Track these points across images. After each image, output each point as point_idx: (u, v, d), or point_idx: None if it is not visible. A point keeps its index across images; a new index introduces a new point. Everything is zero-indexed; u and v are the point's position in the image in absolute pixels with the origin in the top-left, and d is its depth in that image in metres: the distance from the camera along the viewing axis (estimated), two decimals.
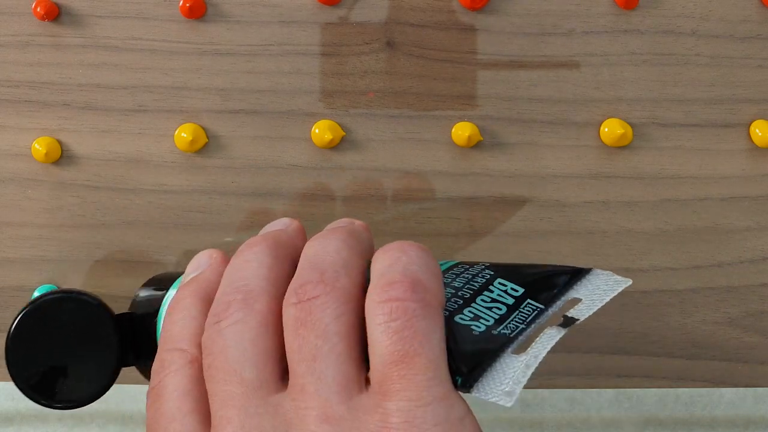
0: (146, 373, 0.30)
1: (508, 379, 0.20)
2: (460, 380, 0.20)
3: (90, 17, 0.38)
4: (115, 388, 0.39)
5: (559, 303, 0.23)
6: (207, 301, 0.24)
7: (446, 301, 0.22)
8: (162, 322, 0.24)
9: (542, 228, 0.39)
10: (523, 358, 0.20)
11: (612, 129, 0.38)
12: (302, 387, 0.20)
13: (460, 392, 0.20)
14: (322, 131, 0.38)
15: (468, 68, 0.38)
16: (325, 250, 0.22)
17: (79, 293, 0.29)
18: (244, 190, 0.39)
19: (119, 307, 0.39)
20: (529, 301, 0.23)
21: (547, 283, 0.23)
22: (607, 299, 0.23)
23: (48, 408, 0.29)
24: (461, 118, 0.38)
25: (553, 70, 0.38)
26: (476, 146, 0.38)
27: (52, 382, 0.28)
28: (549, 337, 0.21)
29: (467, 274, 0.24)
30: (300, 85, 0.38)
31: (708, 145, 0.39)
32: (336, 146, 0.38)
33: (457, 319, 0.21)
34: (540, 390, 0.39)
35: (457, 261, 0.25)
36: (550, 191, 0.39)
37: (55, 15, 0.38)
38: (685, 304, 0.39)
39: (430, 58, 0.38)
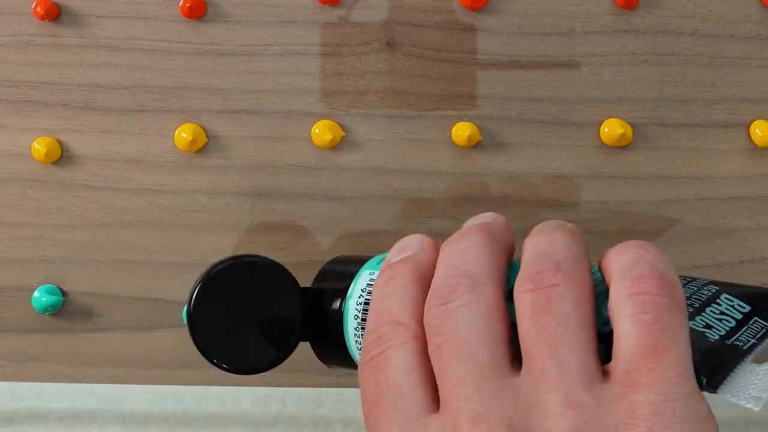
0: (321, 350, 0.30)
1: (754, 385, 0.20)
2: (705, 380, 0.21)
3: (90, 17, 0.38)
4: (115, 388, 0.39)
5: None
6: (423, 281, 0.24)
7: (690, 314, 0.23)
8: (373, 296, 0.24)
9: None
10: (765, 367, 0.21)
11: (612, 129, 0.38)
12: (542, 371, 0.20)
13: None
14: (322, 131, 0.38)
15: (468, 68, 0.38)
16: (555, 244, 0.22)
17: (268, 261, 0.30)
18: (244, 190, 0.39)
19: (119, 307, 0.39)
20: (756, 318, 0.23)
21: None
22: None
23: (229, 372, 0.30)
24: (461, 118, 0.38)
25: (553, 70, 0.38)
26: (476, 146, 0.38)
27: (232, 348, 0.29)
28: None
29: (691, 286, 0.24)
30: (300, 85, 0.38)
31: (708, 145, 0.39)
32: (336, 146, 0.38)
33: (690, 325, 0.22)
34: None
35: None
36: (550, 191, 0.39)
37: (55, 15, 0.38)
38: None
39: (430, 58, 0.38)
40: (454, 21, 0.38)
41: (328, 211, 0.39)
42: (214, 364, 0.29)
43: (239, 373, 0.29)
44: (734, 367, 0.21)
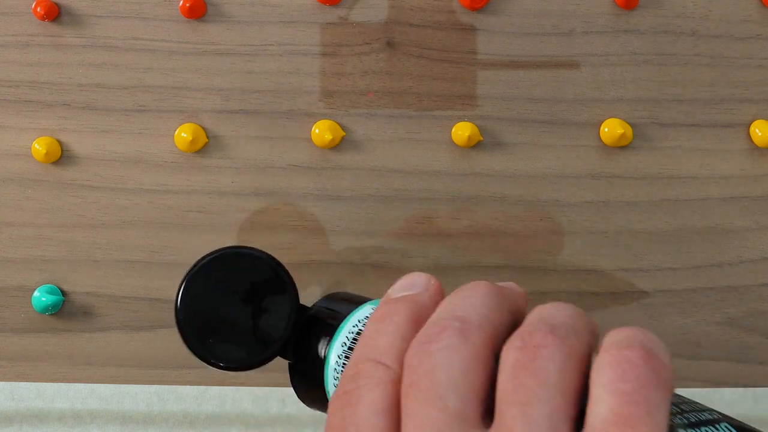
0: (295, 375, 0.29)
1: None
2: None
3: (90, 17, 0.38)
4: (115, 388, 0.39)
5: None
6: (419, 323, 0.23)
7: (672, 415, 0.22)
8: (365, 328, 0.24)
9: (542, 228, 0.39)
10: None
11: (612, 129, 0.38)
12: (510, 427, 0.19)
13: None
14: (322, 131, 0.38)
15: (468, 68, 0.38)
16: (559, 312, 0.21)
17: (273, 261, 0.29)
18: (244, 190, 0.39)
19: (119, 307, 0.39)
20: None
21: None
22: None
23: (212, 366, 0.29)
24: (461, 118, 0.38)
25: (553, 70, 0.38)
26: (476, 146, 0.38)
27: (217, 340, 0.29)
28: None
29: (694, 404, 0.24)
30: (300, 85, 0.38)
31: (708, 145, 0.39)
32: (336, 146, 0.38)
33: (679, 420, 0.21)
34: None
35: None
36: (550, 191, 0.39)
37: (55, 15, 0.38)
38: (685, 304, 0.39)
39: (430, 58, 0.38)
40: (454, 21, 0.38)
41: (328, 211, 0.39)
42: (198, 354, 0.29)
43: (220, 368, 0.29)
44: None
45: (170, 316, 0.39)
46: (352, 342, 0.27)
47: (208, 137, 0.39)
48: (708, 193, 0.39)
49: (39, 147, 0.38)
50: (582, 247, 0.39)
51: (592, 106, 0.38)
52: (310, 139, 0.38)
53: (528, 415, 0.19)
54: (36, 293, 0.38)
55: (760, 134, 0.38)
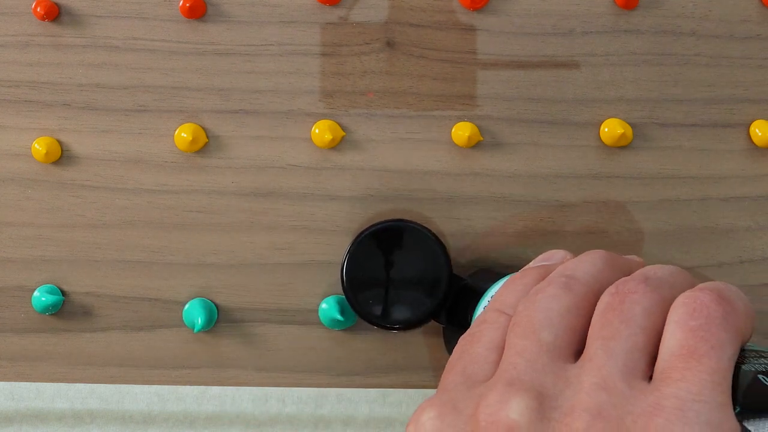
0: (447, 336, 0.33)
1: None
2: (738, 409, 0.21)
3: (90, 17, 0.38)
4: (115, 388, 0.39)
5: None
6: None
7: (755, 359, 0.22)
8: (497, 287, 0.27)
9: (542, 228, 0.39)
10: None
11: (612, 129, 0.38)
12: (590, 358, 0.21)
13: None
14: (322, 131, 0.38)
15: (468, 68, 0.38)
16: (659, 269, 0.24)
17: (430, 234, 0.34)
18: (244, 190, 0.39)
19: (119, 307, 0.39)
20: None
21: None
22: None
23: (372, 325, 0.34)
24: (461, 118, 0.38)
25: (553, 70, 0.38)
26: (476, 146, 0.38)
27: (378, 302, 0.34)
28: None
29: None
30: (300, 85, 0.38)
31: (708, 145, 0.39)
32: (336, 146, 0.38)
33: (754, 367, 0.22)
34: None
35: None
36: (550, 191, 0.39)
37: (55, 15, 0.38)
38: None
39: (430, 58, 0.38)
40: (454, 21, 0.38)
41: (328, 211, 0.39)
42: (365, 317, 0.33)
43: (385, 328, 0.34)
44: None
45: (170, 316, 0.39)
46: None
47: (208, 137, 0.39)
48: (708, 193, 0.39)
49: (39, 147, 0.38)
50: (582, 247, 0.39)
51: (592, 106, 0.38)
52: (310, 139, 0.38)
53: (609, 347, 0.21)
54: (36, 293, 0.38)
55: (760, 134, 0.38)
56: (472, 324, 0.25)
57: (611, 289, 0.23)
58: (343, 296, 0.38)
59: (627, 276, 0.24)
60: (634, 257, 0.27)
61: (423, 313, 0.33)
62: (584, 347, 0.22)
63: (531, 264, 0.28)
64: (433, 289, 0.33)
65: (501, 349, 0.23)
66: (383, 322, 0.33)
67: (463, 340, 0.25)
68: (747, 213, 0.39)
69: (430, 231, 0.34)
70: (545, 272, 0.26)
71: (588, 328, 0.22)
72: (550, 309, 0.23)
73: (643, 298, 0.22)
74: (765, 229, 0.39)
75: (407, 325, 0.33)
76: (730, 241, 0.39)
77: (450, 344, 0.33)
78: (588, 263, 0.24)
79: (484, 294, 0.31)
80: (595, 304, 0.23)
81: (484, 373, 0.23)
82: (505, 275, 0.31)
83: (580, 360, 0.22)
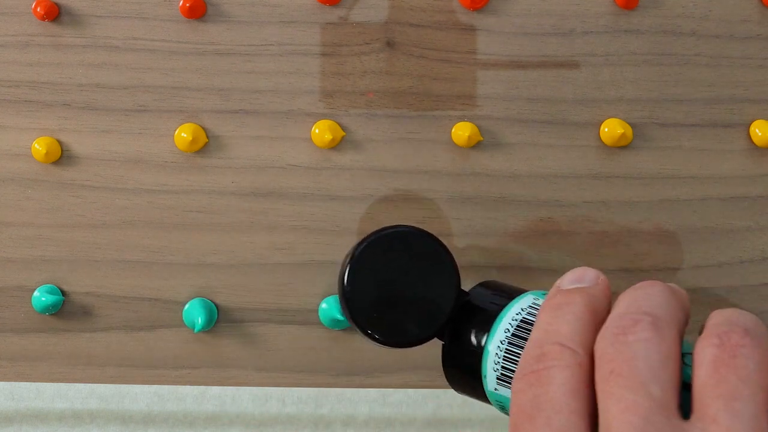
0: (449, 356, 0.30)
1: None
2: None
3: (90, 17, 0.38)
4: (115, 388, 0.39)
5: None
6: (595, 314, 0.24)
7: None
8: (541, 315, 0.25)
9: (542, 228, 0.39)
10: None
11: (612, 129, 0.38)
12: (714, 419, 0.20)
13: None
14: (322, 131, 0.38)
15: (468, 68, 0.38)
16: (744, 316, 0.23)
17: (432, 239, 0.31)
18: (244, 190, 0.39)
19: (119, 307, 0.39)
20: None
21: None
22: None
23: (372, 341, 0.31)
24: (461, 118, 0.38)
25: (553, 70, 0.38)
26: (476, 146, 0.38)
27: (379, 316, 0.30)
28: None
29: None
30: (300, 85, 0.38)
31: (708, 145, 0.39)
32: (336, 146, 0.38)
33: None
34: None
35: None
36: (550, 191, 0.39)
37: (55, 15, 0.38)
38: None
39: (430, 58, 0.38)
40: (454, 21, 0.38)
41: (328, 211, 0.39)
42: (367, 334, 0.30)
43: (388, 345, 0.30)
44: None
45: (170, 316, 0.39)
46: (516, 328, 0.28)
47: (208, 137, 0.39)
48: (708, 193, 0.39)
49: (39, 147, 0.38)
50: (582, 247, 0.39)
51: (592, 106, 0.38)
52: (310, 139, 0.38)
53: (732, 407, 0.20)
54: (36, 293, 0.38)
55: (760, 134, 0.38)
56: (526, 359, 0.24)
57: (713, 339, 0.22)
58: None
59: (685, 312, 0.24)
60: (677, 287, 0.26)
61: (428, 331, 0.30)
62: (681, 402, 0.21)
63: (562, 284, 0.26)
64: (439, 306, 0.30)
65: (581, 394, 0.22)
66: (383, 339, 0.31)
67: (526, 379, 0.23)
68: (747, 213, 0.39)
69: (439, 242, 0.31)
70: (590, 299, 0.25)
71: (681, 377, 0.22)
72: (649, 357, 0.22)
73: (753, 353, 0.21)
74: (765, 229, 0.39)
75: (409, 344, 0.31)
76: (730, 241, 0.39)
77: (451, 364, 0.30)
78: (659, 298, 0.24)
79: (500, 315, 0.29)
80: (680, 346, 0.22)
81: (574, 428, 0.22)
82: (519, 293, 0.30)
83: (696, 420, 0.21)
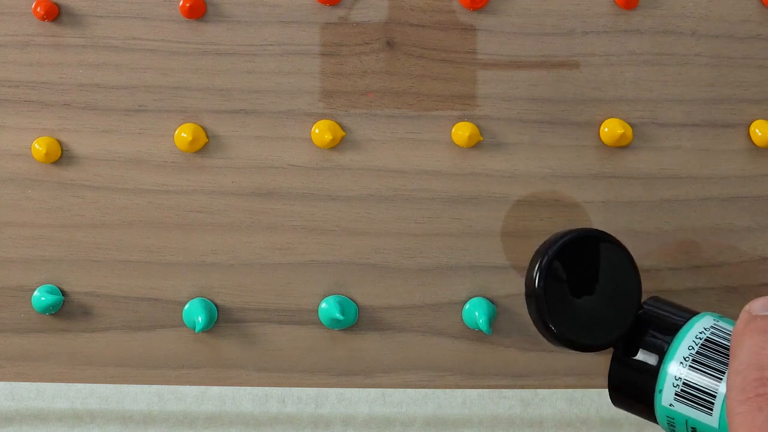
0: (620, 368, 0.31)
1: None
2: None
3: (90, 17, 0.38)
4: (115, 388, 0.39)
5: None
6: None
7: None
8: (748, 339, 0.26)
9: (542, 228, 0.39)
10: None
11: (612, 129, 0.38)
12: None
13: None
14: (322, 131, 0.38)
15: (468, 68, 0.38)
16: None
17: (620, 248, 0.31)
18: (244, 190, 0.39)
19: (119, 307, 0.39)
20: None
21: None
22: None
23: (552, 342, 0.31)
24: (461, 118, 0.38)
25: (553, 70, 0.38)
26: (476, 146, 0.38)
27: (563, 318, 0.30)
28: None
29: None
30: (300, 85, 0.38)
31: (708, 145, 0.39)
32: (336, 146, 0.38)
33: None
34: (540, 390, 0.39)
35: None
36: (550, 191, 0.39)
37: (55, 15, 0.38)
38: (686, 305, 0.39)
39: (430, 58, 0.38)
40: (454, 21, 0.38)
41: (328, 211, 0.39)
42: (561, 340, 0.30)
43: (570, 347, 0.30)
44: None
45: (170, 316, 0.39)
46: (701, 347, 0.28)
47: (208, 137, 0.39)
48: (708, 193, 0.39)
49: (39, 147, 0.38)
50: None
51: (592, 106, 0.38)
52: (310, 139, 0.38)
53: None
54: (36, 293, 0.38)
55: (760, 134, 0.38)
56: (744, 378, 0.25)
57: None
58: (344, 296, 0.38)
59: None
60: None
61: (609, 338, 0.30)
62: None
63: (754, 309, 0.27)
64: (621, 314, 0.31)
65: None
66: (571, 339, 0.30)
67: (751, 402, 0.25)
68: (747, 213, 0.39)
69: (626, 250, 0.32)
70: None
71: None
72: None
73: None
74: (765, 229, 0.39)
75: (590, 348, 0.31)
76: (730, 241, 0.39)
77: (622, 374, 0.31)
78: None
79: (681, 331, 0.29)
80: None
81: None
82: (691, 312, 0.30)
83: None
